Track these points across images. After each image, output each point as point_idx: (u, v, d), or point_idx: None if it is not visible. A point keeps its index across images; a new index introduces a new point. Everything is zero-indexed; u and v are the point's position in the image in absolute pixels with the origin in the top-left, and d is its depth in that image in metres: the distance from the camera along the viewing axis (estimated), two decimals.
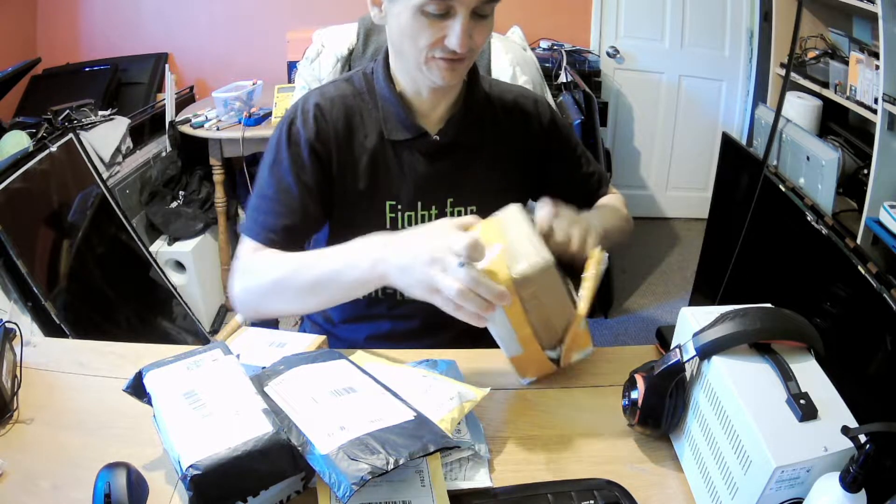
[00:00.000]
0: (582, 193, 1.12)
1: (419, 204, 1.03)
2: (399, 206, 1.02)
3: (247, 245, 0.97)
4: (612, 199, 1.16)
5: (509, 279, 0.76)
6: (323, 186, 0.99)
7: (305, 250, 1.01)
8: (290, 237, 0.97)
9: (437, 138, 1.01)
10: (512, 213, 0.83)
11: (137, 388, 0.75)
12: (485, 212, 1.06)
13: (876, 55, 1.92)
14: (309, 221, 0.99)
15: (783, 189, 2.10)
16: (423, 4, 0.85)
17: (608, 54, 3.22)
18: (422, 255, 0.75)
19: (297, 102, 1.02)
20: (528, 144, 1.08)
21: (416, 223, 1.03)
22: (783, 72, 2.41)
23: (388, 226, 1.03)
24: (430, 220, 1.04)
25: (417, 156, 1.02)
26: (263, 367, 0.81)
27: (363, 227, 0.95)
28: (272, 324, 1.17)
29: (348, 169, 1.00)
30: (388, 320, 1.09)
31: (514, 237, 0.79)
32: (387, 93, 1.00)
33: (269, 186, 0.98)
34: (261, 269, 0.93)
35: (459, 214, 1.05)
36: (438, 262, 0.73)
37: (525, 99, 1.10)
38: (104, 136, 2.34)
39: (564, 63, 2.86)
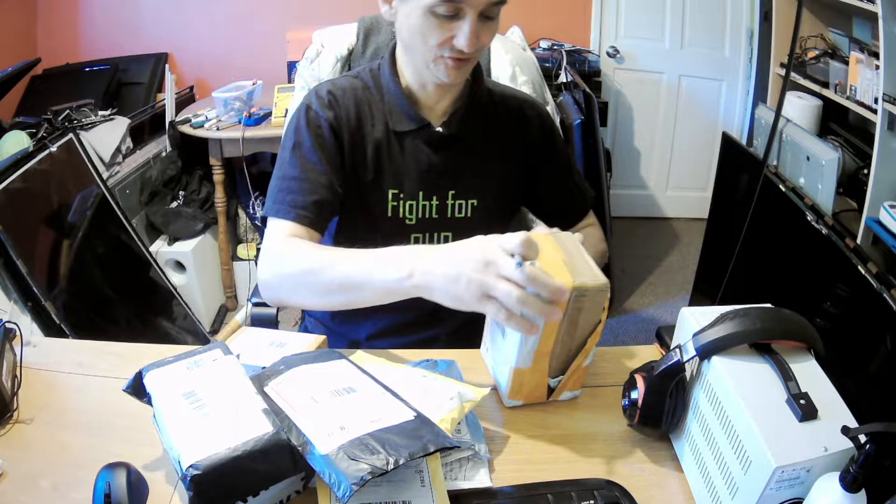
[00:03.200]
0: (565, 207, 1.16)
1: (420, 194, 1.05)
2: (401, 195, 1.05)
3: (277, 229, 0.95)
4: (593, 232, 1.17)
5: (571, 285, 0.73)
6: (341, 167, 1.01)
7: (325, 237, 1.02)
8: (320, 211, 0.97)
9: (441, 130, 1.04)
10: (567, 236, 0.84)
11: (137, 388, 0.75)
12: (484, 206, 1.07)
13: (876, 55, 1.92)
14: (335, 196, 1.00)
15: (783, 189, 2.10)
16: (434, 6, 0.87)
17: (608, 54, 3.22)
18: (471, 260, 0.71)
19: (308, 93, 1.05)
20: (527, 148, 1.11)
21: (418, 212, 1.06)
22: (783, 72, 2.40)
23: (389, 214, 1.05)
24: (430, 210, 1.06)
25: (421, 146, 1.04)
26: (263, 367, 0.81)
27: (366, 214, 1.03)
28: (272, 324, 1.18)
29: (357, 156, 1.03)
30: (389, 314, 1.10)
31: (571, 252, 0.79)
32: (392, 87, 1.03)
33: (293, 167, 0.99)
34: (292, 258, 0.91)
35: (460, 207, 1.07)
36: (492, 265, 0.70)
37: (528, 106, 1.13)
38: (104, 136, 2.34)
39: (564, 63, 2.86)
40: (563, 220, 1.12)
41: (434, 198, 1.06)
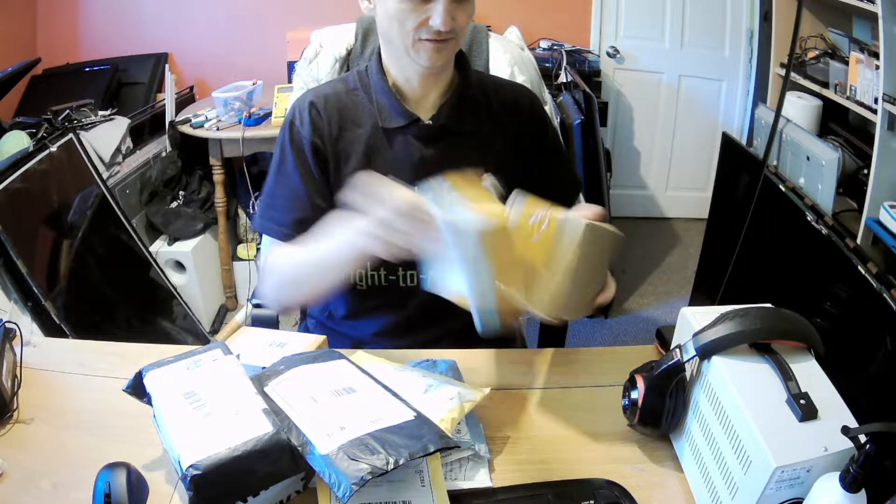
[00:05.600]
0: (556, 194, 1.14)
1: (416, 188, 1.05)
2: None
3: (267, 249, 1.09)
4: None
5: (502, 215, 0.77)
6: (327, 181, 1.05)
7: None
8: (302, 228, 1.03)
9: (430, 123, 1.05)
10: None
11: (137, 388, 0.75)
12: None
13: (876, 55, 1.92)
14: (317, 212, 1.04)
15: (783, 189, 2.10)
16: None
17: (608, 54, 3.22)
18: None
19: (294, 104, 1.09)
20: (520, 135, 1.11)
21: None
22: (783, 72, 2.40)
23: None
24: None
25: (412, 141, 1.05)
26: (263, 367, 0.81)
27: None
28: (272, 324, 1.17)
29: (343, 158, 1.05)
30: (390, 312, 1.10)
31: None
32: (379, 84, 1.05)
33: (278, 186, 1.07)
34: (277, 268, 1.03)
35: None
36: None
37: (520, 92, 1.15)
38: (104, 136, 2.34)
39: (564, 63, 2.86)
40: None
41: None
